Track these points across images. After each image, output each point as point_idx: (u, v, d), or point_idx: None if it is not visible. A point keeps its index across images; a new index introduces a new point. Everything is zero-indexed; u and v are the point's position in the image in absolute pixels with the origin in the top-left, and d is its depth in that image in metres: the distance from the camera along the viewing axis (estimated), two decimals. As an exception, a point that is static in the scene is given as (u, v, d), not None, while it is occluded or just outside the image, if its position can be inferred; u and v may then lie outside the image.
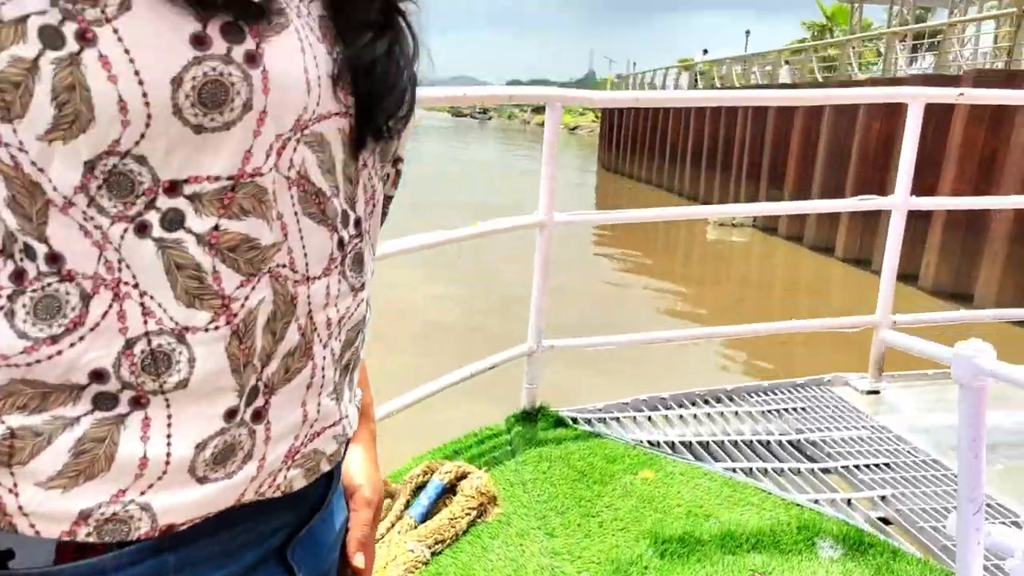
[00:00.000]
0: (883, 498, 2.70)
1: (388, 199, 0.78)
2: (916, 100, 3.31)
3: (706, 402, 3.55)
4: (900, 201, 3.46)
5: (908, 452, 3.02)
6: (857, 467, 2.90)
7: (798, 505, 2.61)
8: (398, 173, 0.77)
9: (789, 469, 2.90)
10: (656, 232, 23.05)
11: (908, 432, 3.20)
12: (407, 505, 2.57)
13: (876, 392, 3.61)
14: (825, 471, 2.90)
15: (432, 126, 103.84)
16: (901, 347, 1.68)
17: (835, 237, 17.15)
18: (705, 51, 41.23)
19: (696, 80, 31.39)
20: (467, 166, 36.93)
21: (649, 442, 3.09)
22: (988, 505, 2.62)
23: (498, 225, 3.00)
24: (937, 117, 13.76)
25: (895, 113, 15.56)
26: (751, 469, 2.89)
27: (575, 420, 3.29)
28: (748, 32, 47.45)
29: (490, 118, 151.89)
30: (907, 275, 16.50)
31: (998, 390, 1.49)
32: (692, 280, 14.16)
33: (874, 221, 15.64)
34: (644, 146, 33.33)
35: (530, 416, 3.24)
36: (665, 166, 28.79)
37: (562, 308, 9.87)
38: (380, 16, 0.66)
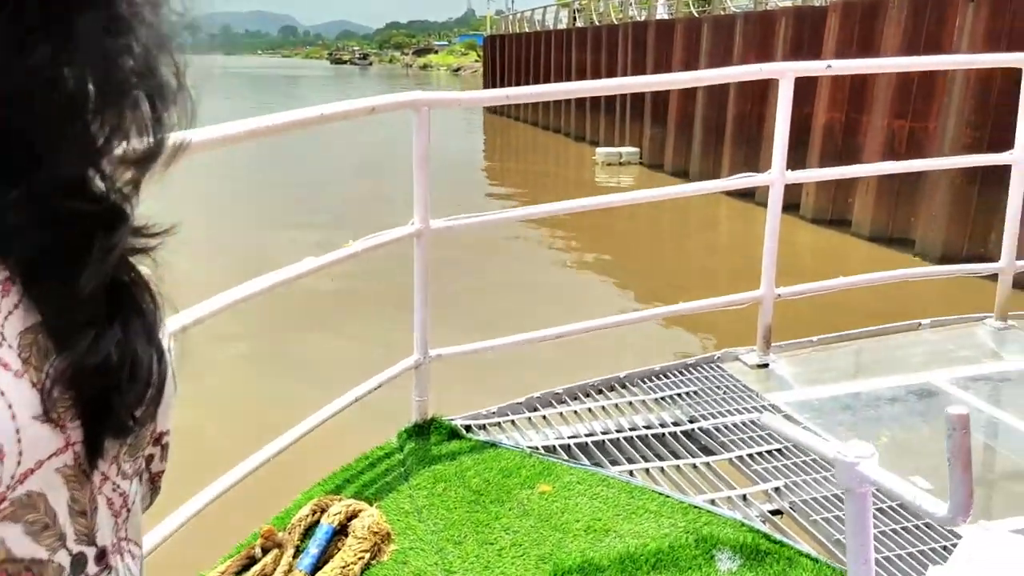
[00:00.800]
0: (777, 490, 2.72)
1: (158, 475, 0.64)
2: (785, 76, 3.28)
3: (600, 392, 3.51)
4: (776, 176, 3.45)
5: (798, 434, 3.05)
6: (751, 456, 2.92)
7: (696, 508, 2.61)
8: (164, 447, 0.63)
9: (685, 466, 2.89)
10: (546, 175, 23.07)
11: (798, 411, 3.24)
12: (296, 554, 2.45)
13: (765, 366, 3.65)
14: (720, 464, 2.91)
15: (312, 75, 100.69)
16: (777, 432, 1.63)
17: (719, 171, 17.48)
18: (582, -15, 40.95)
19: (575, 17, 31.22)
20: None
21: (545, 448, 3.03)
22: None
23: (372, 242, 2.84)
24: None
25: (767, 43, 15.83)
26: (648, 470, 2.87)
27: (469, 428, 3.20)
28: (623, -37, 47.27)
29: (371, 63, 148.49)
30: (789, 205, 17.08)
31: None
32: (585, 227, 14.22)
33: (755, 153, 16.00)
34: (528, 84, 33.13)
35: (422, 430, 3.14)
36: (551, 105, 28.67)
37: (451, 264, 9.78)
38: (105, 306, 0.52)
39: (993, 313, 4.03)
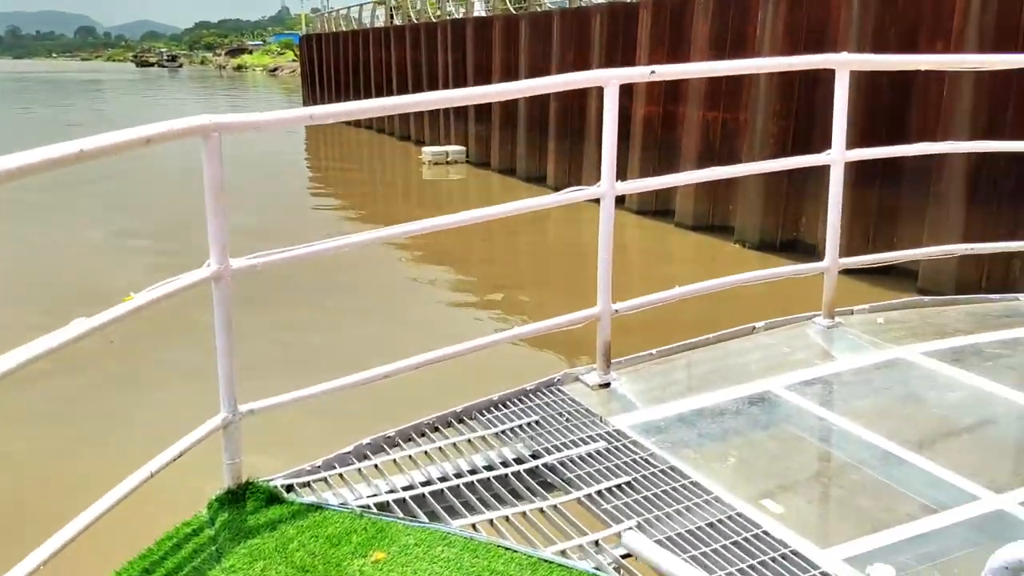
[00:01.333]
0: (630, 529, 2.54)
1: None
2: (610, 84, 3.12)
3: (436, 430, 3.24)
4: (607, 188, 3.30)
5: (646, 462, 2.90)
6: (600, 493, 2.73)
7: (546, 562, 2.39)
8: None
9: (531, 511, 2.67)
10: (373, 178, 22.55)
11: (643, 435, 3.09)
12: None
13: (607, 385, 3.50)
14: (569, 504, 2.71)
15: (116, 79, 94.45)
16: (644, 560, 1.42)
17: (545, 167, 17.62)
18: (398, -18, 40.40)
19: (392, 14, 30.74)
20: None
21: (378, 505, 2.73)
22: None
23: (160, 292, 2.45)
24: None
25: (584, 40, 16.06)
26: (492, 520, 2.63)
27: (291, 488, 2.86)
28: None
29: (180, 65, 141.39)
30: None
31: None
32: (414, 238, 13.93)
33: (579, 151, 16.21)
34: (349, 86, 32.37)
35: (237, 496, 2.76)
36: (373, 106, 28.07)
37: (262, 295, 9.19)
38: None
39: (821, 311, 4.07)
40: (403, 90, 26.12)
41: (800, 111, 11.59)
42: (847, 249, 4.18)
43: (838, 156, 3.85)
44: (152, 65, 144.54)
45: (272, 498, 2.76)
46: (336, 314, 9.70)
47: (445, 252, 12.25)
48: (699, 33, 13.16)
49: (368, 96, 29.67)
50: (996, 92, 9.08)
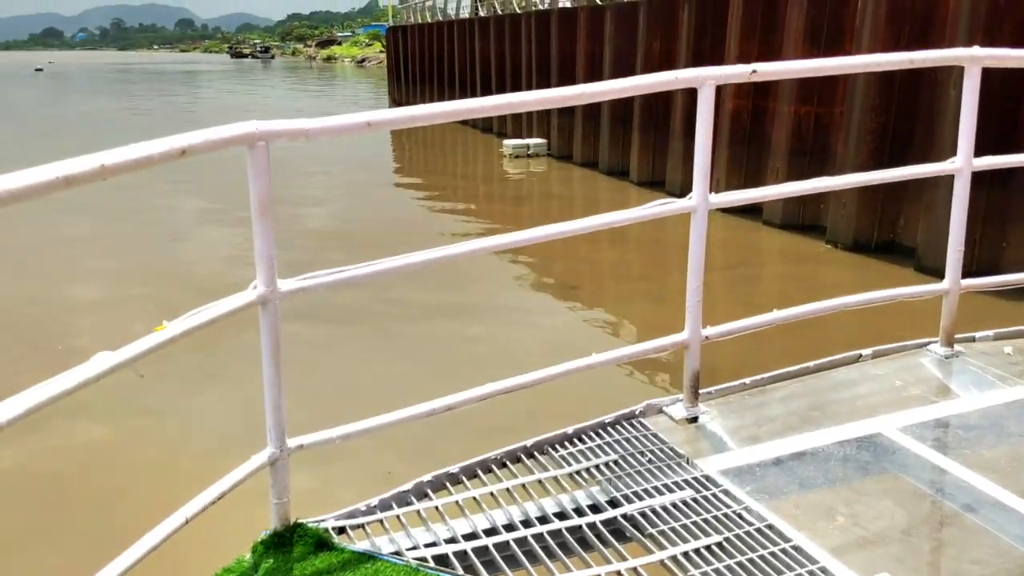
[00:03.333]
0: (720, 605, 2.21)
1: None
2: (705, 84, 2.77)
3: (504, 465, 2.95)
4: (699, 202, 2.94)
5: (739, 518, 2.55)
6: (686, 555, 2.40)
7: (622, 642, 2.07)
8: None
9: (606, 574, 2.35)
10: (455, 171, 22.42)
11: (735, 482, 2.73)
12: None
13: (695, 419, 3.15)
14: (650, 567, 2.38)
15: (212, 70, 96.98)
16: None
17: (628, 161, 17.16)
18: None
19: (477, 6, 30.55)
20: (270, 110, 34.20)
21: (435, 558, 2.45)
22: None
23: (197, 320, 2.21)
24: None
25: (671, 29, 15.56)
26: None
27: (343, 531, 2.61)
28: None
29: (272, 56, 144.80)
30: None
31: None
32: (502, 218, 13.65)
33: (663, 145, 15.72)
34: (432, 76, 32.38)
35: (283, 540, 2.52)
36: (456, 96, 28.01)
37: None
38: None
39: (938, 338, 3.63)
40: (486, 82, 25.93)
41: (900, 106, 10.89)
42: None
43: (963, 165, 3.40)
44: (246, 56, 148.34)
45: (321, 543, 2.51)
46: (392, 335, 8.86)
47: (519, 251, 11.96)
48: (793, 23, 12.51)
49: (452, 88, 29.61)
50: None
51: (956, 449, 2.93)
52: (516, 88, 22.73)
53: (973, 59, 3.26)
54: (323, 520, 2.63)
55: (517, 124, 23.18)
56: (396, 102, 37.49)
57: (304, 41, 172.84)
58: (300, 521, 2.58)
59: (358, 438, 2.67)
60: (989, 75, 3.41)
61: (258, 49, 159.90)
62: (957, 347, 3.62)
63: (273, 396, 2.49)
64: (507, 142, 21.76)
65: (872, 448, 2.93)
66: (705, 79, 2.78)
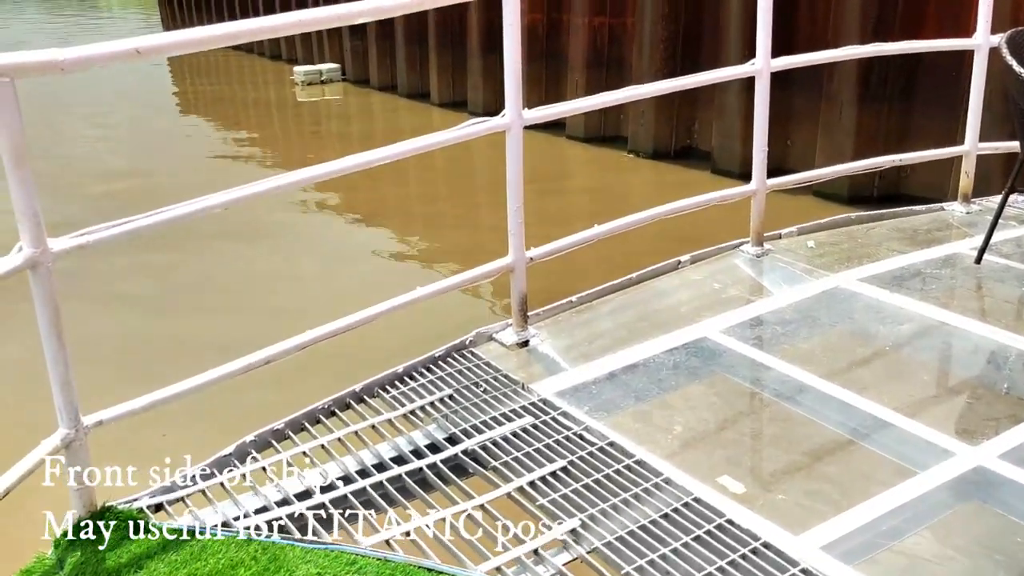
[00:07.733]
0: (573, 532, 2.16)
1: None
2: (512, -8, 2.61)
3: (333, 414, 2.77)
4: (513, 119, 2.82)
5: (581, 439, 2.51)
6: (533, 485, 2.33)
7: (478, 586, 1.99)
8: None
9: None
10: (246, 103, 21.19)
11: (573, 403, 2.70)
12: None
13: (526, 344, 3.08)
14: (497, 502, 2.30)
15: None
16: None
17: (428, 83, 16.80)
18: None
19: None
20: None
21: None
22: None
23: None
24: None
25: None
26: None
27: (159, 508, 2.36)
28: None
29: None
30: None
31: None
32: (301, 151, 13.00)
33: (461, 58, 15.48)
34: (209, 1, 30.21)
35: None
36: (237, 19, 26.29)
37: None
38: None
39: (749, 239, 3.73)
40: (270, 4, 24.47)
41: (688, 14, 11.19)
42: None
43: (763, 66, 3.46)
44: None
45: (136, 526, 2.25)
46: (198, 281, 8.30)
47: (322, 186, 11.48)
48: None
49: (232, 11, 27.72)
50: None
51: (775, 344, 3.03)
52: (303, 7, 21.63)
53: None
54: (136, 499, 2.37)
55: (308, 49, 22.11)
56: (168, 26, 34.81)
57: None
58: (109, 504, 2.31)
59: (167, 406, 2.40)
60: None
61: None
62: (767, 245, 3.74)
63: (60, 372, 2.17)
64: (298, 68, 20.74)
65: (699, 353, 2.98)
66: (510, -14, 2.62)
